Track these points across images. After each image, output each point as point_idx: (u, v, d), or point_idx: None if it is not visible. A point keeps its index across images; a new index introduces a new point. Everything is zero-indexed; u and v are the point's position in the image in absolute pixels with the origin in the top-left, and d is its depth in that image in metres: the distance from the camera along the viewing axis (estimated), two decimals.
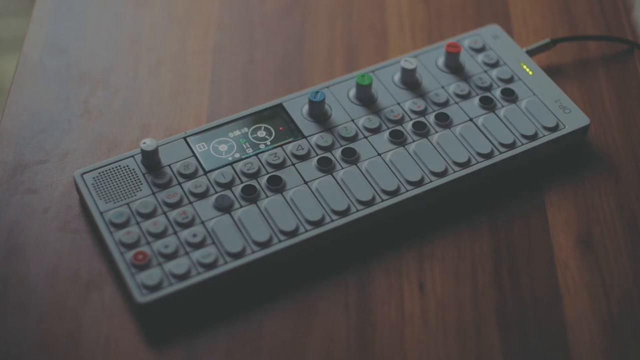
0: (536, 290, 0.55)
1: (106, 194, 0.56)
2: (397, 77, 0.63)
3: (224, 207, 0.56)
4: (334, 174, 0.58)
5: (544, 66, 0.66)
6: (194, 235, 0.54)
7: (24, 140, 0.61)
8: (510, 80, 0.63)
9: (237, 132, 0.60)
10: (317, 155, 0.59)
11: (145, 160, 0.57)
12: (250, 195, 0.56)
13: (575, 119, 0.61)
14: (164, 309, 0.52)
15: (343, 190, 0.57)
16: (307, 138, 0.59)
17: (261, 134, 0.60)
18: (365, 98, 0.62)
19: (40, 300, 0.53)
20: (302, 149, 0.59)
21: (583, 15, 0.70)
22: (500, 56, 0.65)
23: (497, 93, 0.62)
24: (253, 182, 0.57)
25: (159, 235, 0.54)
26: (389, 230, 0.57)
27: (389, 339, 0.52)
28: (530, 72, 0.64)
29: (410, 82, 0.63)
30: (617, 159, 0.61)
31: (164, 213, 0.55)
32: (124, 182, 0.57)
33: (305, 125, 0.60)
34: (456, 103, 0.62)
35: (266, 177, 0.57)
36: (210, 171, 0.57)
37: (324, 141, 0.59)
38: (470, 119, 0.61)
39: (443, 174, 0.58)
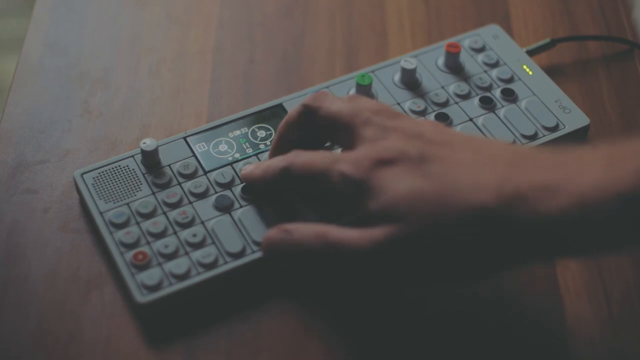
0: (536, 290, 0.55)
1: (106, 194, 0.56)
2: (397, 77, 0.63)
3: (224, 207, 0.56)
4: None
5: (544, 66, 0.66)
6: (194, 235, 0.54)
7: (24, 140, 0.61)
8: (510, 80, 0.63)
9: (237, 132, 0.60)
10: None
11: (145, 160, 0.57)
12: (250, 195, 0.56)
13: (575, 119, 0.61)
14: (164, 309, 0.52)
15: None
16: None
17: (261, 134, 0.60)
18: None
19: (40, 300, 0.53)
20: None
21: (583, 15, 0.70)
22: (500, 56, 0.65)
23: (497, 93, 0.62)
24: None
25: (159, 235, 0.54)
26: None
27: (389, 338, 0.52)
28: (530, 72, 0.64)
29: (410, 82, 0.63)
30: None
31: (164, 213, 0.55)
32: (124, 182, 0.57)
33: None
34: (456, 103, 0.62)
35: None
36: (210, 171, 0.57)
37: None
38: (470, 119, 0.61)
39: None
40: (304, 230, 0.50)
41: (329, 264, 0.51)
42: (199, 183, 0.57)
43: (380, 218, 0.48)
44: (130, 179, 0.57)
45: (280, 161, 0.53)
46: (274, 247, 0.51)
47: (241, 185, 0.57)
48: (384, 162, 0.48)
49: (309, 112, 0.53)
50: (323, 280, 0.54)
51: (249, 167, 0.56)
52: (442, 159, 0.48)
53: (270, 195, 0.56)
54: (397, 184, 0.47)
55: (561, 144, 0.60)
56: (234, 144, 0.59)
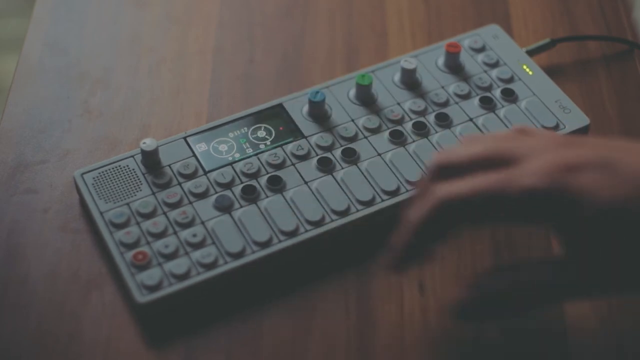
0: None
1: (106, 194, 0.56)
2: (397, 77, 0.63)
3: (224, 207, 0.56)
4: (334, 174, 0.58)
5: (544, 66, 0.66)
6: (194, 235, 0.54)
7: (24, 140, 0.61)
8: (510, 80, 0.63)
9: (237, 132, 0.60)
10: (317, 155, 0.59)
11: (145, 160, 0.57)
12: (250, 195, 0.56)
13: (575, 119, 0.61)
14: (164, 309, 0.52)
15: (343, 190, 0.57)
16: (307, 138, 0.59)
17: (261, 134, 0.60)
18: (365, 98, 0.62)
19: (40, 300, 0.53)
20: (302, 149, 0.59)
21: (583, 15, 0.70)
22: (500, 56, 0.65)
23: (497, 93, 0.62)
24: (253, 182, 0.57)
25: (159, 235, 0.54)
26: (388, 230, 0.57)
27: (389, 339, 0.52)
28: (530, 72, 0.64)
29: (410, 82, 0.63)
30: None
31: (164, 213, 0.55)
32: (124, 182, 0.57)
33: (305, 125, 0.60)
34: (456, 103, 0.62)
35: (266, 177, 0.57)
36: (210, 171, 0.57)
37: (324, 141, 0.59)
38: (470, 119, 0.61)
39: None
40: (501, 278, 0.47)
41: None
42: (199, 183, 0.57)
43: (590, 225, 0.44)
44: (130, 179, 0.57)
45: (428, 199, 0.46)
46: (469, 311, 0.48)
47: (241, 185, 0.57)
48: (571, 168, 0.44)
49: (444, 173, 0.47)
50: (324, 278, 0.54)
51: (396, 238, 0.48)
52: (622, 160, 0.45)
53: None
54: (602, 191, 0.44)
55: None
56: (234, 144, 0.59)
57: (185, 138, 0.59)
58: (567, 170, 0.44)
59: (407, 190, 0.57)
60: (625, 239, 0.44)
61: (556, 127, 0.60)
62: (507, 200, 0.44)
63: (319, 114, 0.61)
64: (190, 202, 0.56)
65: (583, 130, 0.61)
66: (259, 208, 0.56)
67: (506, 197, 0.44)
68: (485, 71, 0.64)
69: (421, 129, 0.60)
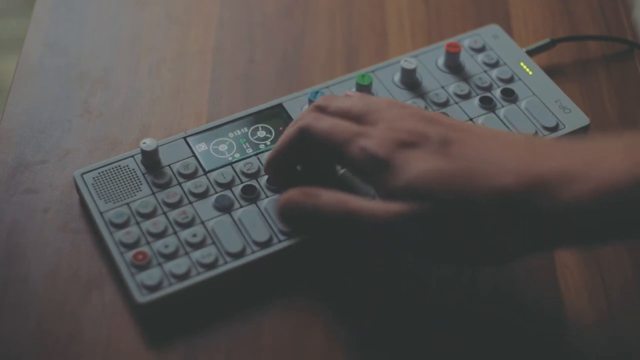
0: (536, 290, 0.55)
1: (106, 194, 0.56)
2: (397, 77, 0.63)
3: (224, 207, 0.56)
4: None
5: (544, 66, 0.66)
6: (194, 235, 0.54)
7: (24, 140, 0.61)
8: (510, 80, 0.63)
9: (237, 132, 0.60)
10: None
11: (145, 160, 0.57)
12: (250, 195, 0.56)
13: (575, 119, 0.61)
14: (164, 309, 0.52)
15: (344, 190, 0.56)
16: None
17: (261, 134, 0.60)
18: None
19: (40, 300, 0.53)
20: None
21: (583, 15, 0.70)
22: (500, 56, 0.65)
23: (497, 93, 0.62)
24: (253, 182, 0.57)
25: (159, 235, 0.54)
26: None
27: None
28: (530, 72, 0.64)
29: (410, 82, 0.63)
30: None
31: (164, 213, 0.55)
32: (124, 182, 0.57)
33: None
34: (456, 103, 0.62)
35: (266, 177, 0.57)
36: (210, 171, 0.57)
37: None
38: (471, 119, 0.61)
39: None
40: (326, 195, 0.50)
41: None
42: (199, 183, 0.57)
43: (400, 196, 0.48)
44: (130, 179, 0.57)
45: (298, 122, 0.53)
46: (293, 208, 0.51)
47: (241, 185, 0.57)
48: (407, 144, 0.49)
49: (319, 111, 0.53)
50: (324, 277, 0.54)
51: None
52: (462, 143, 0.48)
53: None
54: (420, 164, 0.48)
55: None
56: (234, 144, 0.59)
57: (185, 138, 0.59)
58: (402, 144, 0.49)
59: None
60: (438, 213, 0.47)
61: (556, 127, 0.60)
62: (347, 152, 0.50)
63: None
64: (190, 202, 0.56)
65: (583, 130, 0.61)
66: (259, 208, 0.56)
67: (347, 149, 0.50)
68: (485, 71, 0.64)
69: None
